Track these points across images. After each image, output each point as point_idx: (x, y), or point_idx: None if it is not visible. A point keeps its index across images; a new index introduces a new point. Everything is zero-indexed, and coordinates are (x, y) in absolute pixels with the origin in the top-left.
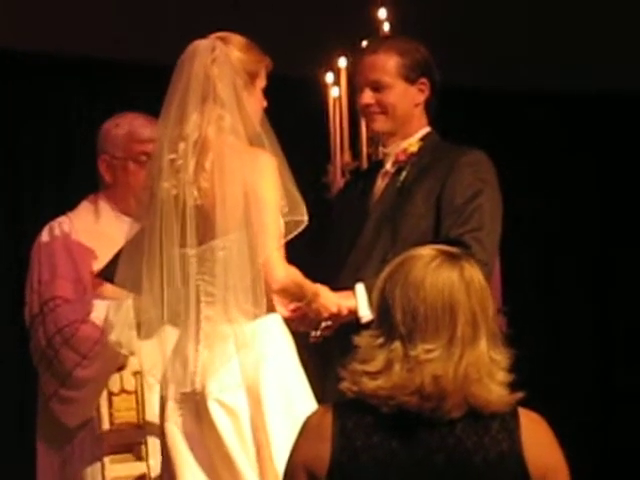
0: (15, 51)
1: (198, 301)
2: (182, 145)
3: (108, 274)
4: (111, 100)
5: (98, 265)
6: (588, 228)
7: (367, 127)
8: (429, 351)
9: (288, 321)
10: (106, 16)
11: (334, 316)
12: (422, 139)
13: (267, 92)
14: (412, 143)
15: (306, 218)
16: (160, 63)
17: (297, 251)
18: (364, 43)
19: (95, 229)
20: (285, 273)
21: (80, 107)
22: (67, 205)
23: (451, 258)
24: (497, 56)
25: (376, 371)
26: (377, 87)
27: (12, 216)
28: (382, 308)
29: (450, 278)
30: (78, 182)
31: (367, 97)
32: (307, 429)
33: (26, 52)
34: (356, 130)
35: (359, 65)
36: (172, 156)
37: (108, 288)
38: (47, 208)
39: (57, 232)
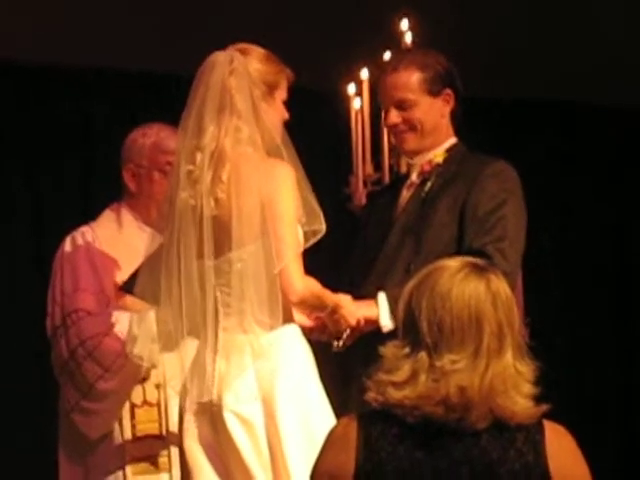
0: (34, 65)
1: (217, 312)
2: (199, 156)
3: (131, 287)
4: (133, 111)
5: (121, 276)
6: (610, 239)
7: (398, 147)
8: (455, 362)
9: (309, 331)
10: (128, 28)
11: (353, 328)
12: (448, 150)
13: (289, 104)
14: (438, 154)
15: (324, 227)
16: (182, 75)
17: (320, 261)
18: (386, 55)
19: (118, 239)
20: (303, 284)
21: (102, 118)
22: (90, 213)
23: (478, 270)
24: (519, 66)
25: (402, 381)
26: (402, 105)
27: (34, 225)
28: (408, 319)
29: (477, 289)
30: (100, 190)
31: (394, 117)
32: (332, 439)
33: (46, 65)
34: (378, 141)
35: (381, 85)
36: (190, 167)
37: (130, 300)
38: (69, 217)
39: (80, 242)
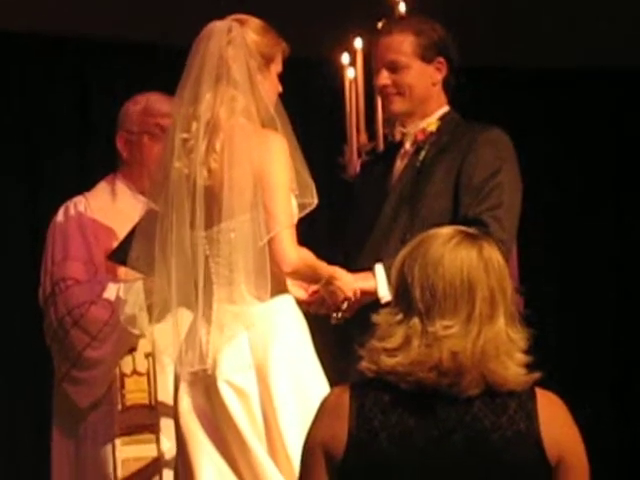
0: (33, 33)
1: (210, 282)
2: (194, 125)
3: (118, 256)
4: (131, 82)
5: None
6: (607, 208)
7: (385, 109)
8: (447, 327)
9: (307, 304)
10: None
11: (350, 299)
12: (441, 118)
13: (283, 73)
14: (431, 122)
15: (315, 201)
16: (179, 44)
17: (314, 232)
18: (379, 24)
19: (112, 208)
20: (296, 255)
21: (99, 88)
22: (86, 185)
23: (470, 237)
24: (516, 35)
25: (395, 347)
26: (393, 68)
27: (31, 197)
28: (401, 285)
29: (469, 256)
30: (97, 162)
31: (384, 78)
32: (324, 408)
33: (44, 33)
34: (372, 111)
35: (375, 47)
36: (184, 135)
37: (124, 272)
38: (66, 187)
39: (72, 212)
